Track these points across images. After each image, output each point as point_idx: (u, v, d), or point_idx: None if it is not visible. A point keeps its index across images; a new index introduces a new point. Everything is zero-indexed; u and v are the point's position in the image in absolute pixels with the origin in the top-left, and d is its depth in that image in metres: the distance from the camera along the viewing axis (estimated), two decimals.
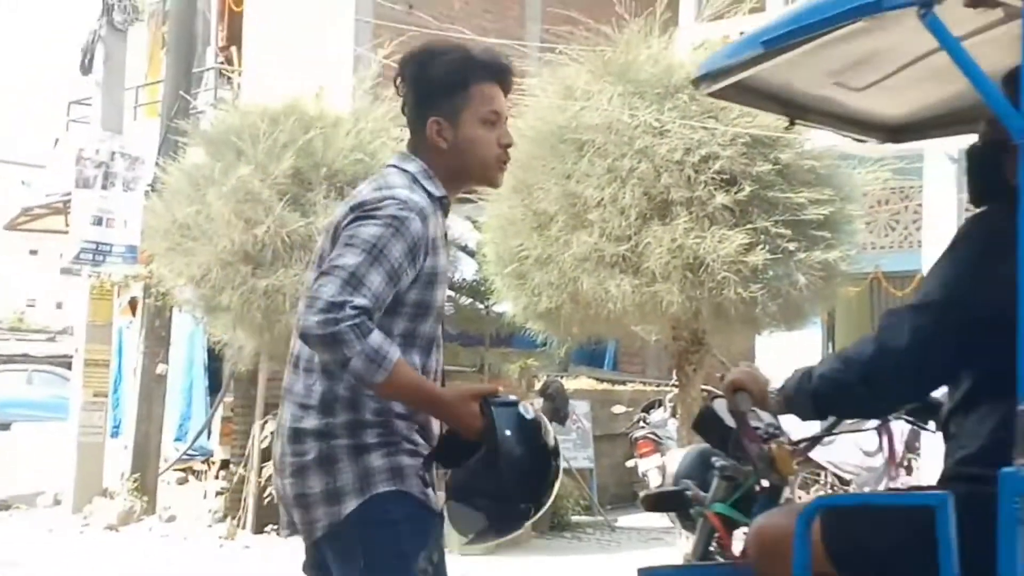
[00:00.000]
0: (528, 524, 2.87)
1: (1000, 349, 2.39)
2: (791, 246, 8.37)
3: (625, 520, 11.86)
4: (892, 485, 9.11)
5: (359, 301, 2.57)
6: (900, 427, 8.77)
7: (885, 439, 8.76)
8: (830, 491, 9.93)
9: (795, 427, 3.30)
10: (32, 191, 17.38)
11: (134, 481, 12.65)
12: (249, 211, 9.91)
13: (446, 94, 2.84)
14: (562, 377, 13.41)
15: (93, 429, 13.54)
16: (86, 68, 13.81)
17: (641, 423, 11.02)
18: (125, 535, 11.95)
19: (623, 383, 15.14)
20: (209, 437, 13.35)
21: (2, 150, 44.69)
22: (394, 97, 10.77)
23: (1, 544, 10.80)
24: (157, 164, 12.11)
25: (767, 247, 8.28)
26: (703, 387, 9.00)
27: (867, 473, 9.87)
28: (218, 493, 12.15)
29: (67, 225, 14.14)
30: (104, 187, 12.93)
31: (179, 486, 13.01)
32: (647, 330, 9.76)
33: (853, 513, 2.73)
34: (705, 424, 3.14)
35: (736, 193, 8.30)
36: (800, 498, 7.70)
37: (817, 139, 8.28)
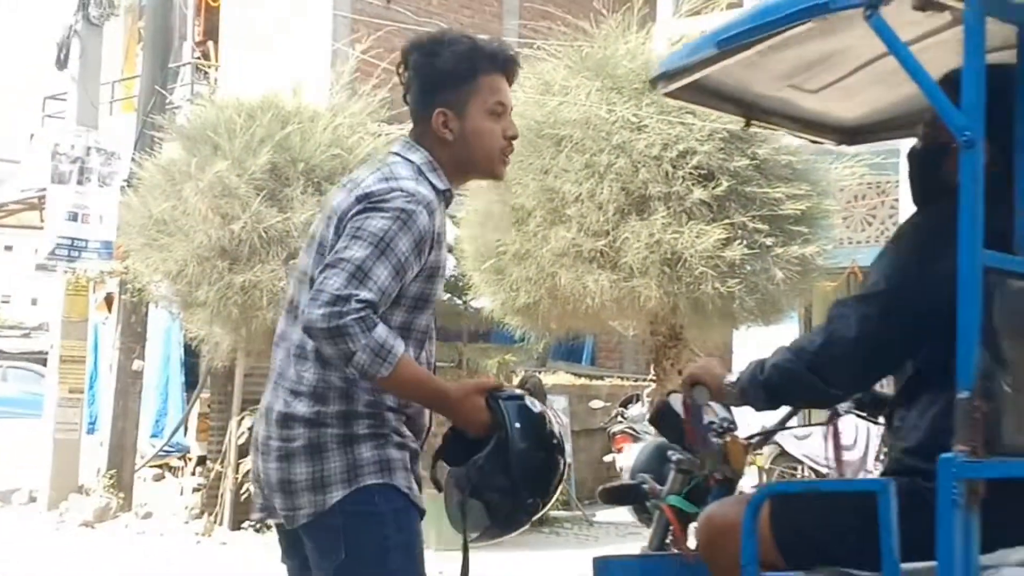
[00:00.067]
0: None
1: (941, 340, 2.44)
2: (768, 241, 8.40)
3: (603, 515, 11.87)
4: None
5: (365, 295, 2.55)
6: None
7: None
8: None
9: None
10: (7, 186, 17.25)
11: (110, 478, 12.60)
12: (226, 206, 9.87)
13: (453, 85, 2.80)
14: (540, 372, 13.42)
15: (68, 425, 13.47)
16: (61, 63, 13.72)
17: (619, 418, 11.06)
18: (101, 532, 11.89)
19: (601, 378, 15.16)
20: (186, 433, 13.31)
21: None
22: (372, 92, 10.76)
23: None
24: (133, 159, 12.05)
25: (744, 242, 8.30)
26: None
27: (844, 466, 9.91)
28: (195, 489, 12.12)
29: (42, 221, 14.05)
30: (80, 182, 12.86)
31: (155, 482, 12.96)
32: (625, 325, 9.78)
33: (800, 503, 2.76)
34: (661, 418, 3.17)
35: (713, 188, 8.33)
36: None
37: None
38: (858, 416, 3.35)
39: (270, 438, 2.74)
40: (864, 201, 12.50)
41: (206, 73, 15.65)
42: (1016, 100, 2.60)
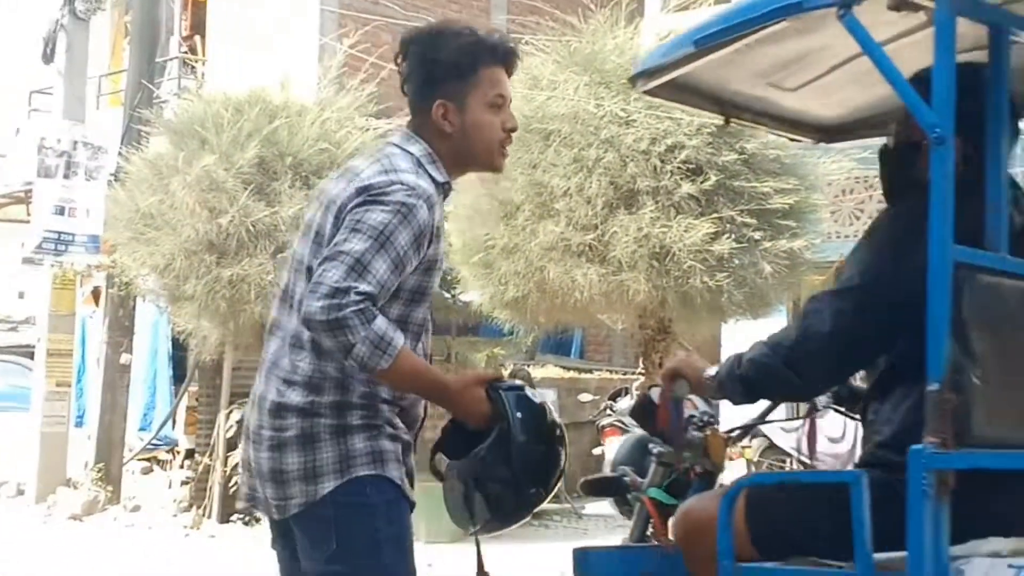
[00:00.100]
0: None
1: (914, 335, 2.47)
2: (756, 235, 8.41)
3: (592, 508, 11.90)
4: None
5: (364, 288, 2.55)
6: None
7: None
8: None
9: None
10: None
11: (98, 471, 12.58)
12: (213, 200, 9.87)
13: (454, 77, 2.79)
14: (529, 366, 13.44)
15: (56, 419, 13.45)
16: (48, 57, 13.69)
17: (608, 411, 11.06)
18: (89, 525, 11.88)
19: (590, 371, 15.18)
20: (174, 427, 13.31)
21: None
22: (359, 87, 10.75)
23: None
24: (120, 153, 12.03)
25: (733, 236, 8.32)
26: None
27: (832, 459, 9.94)
28: (183, 483, 12.12)
29: (29, 214, 14.03)
30: (66, 176, 12.83)
31: (144, 476, 12.95)
32: (613, 319, 9.79)
33: (774, 495, 2.79)
34: (642, 412, 3.18)
35: (702, 182, 8.34)
36: None
37: None
38: (835, 410, 3.38)
39: (262, 427, 2.73)
40: (852, 195, 12.53)
41: (193, 67, 15.60)
42: (987, 98, 2.64)
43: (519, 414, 2.67)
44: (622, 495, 3.24)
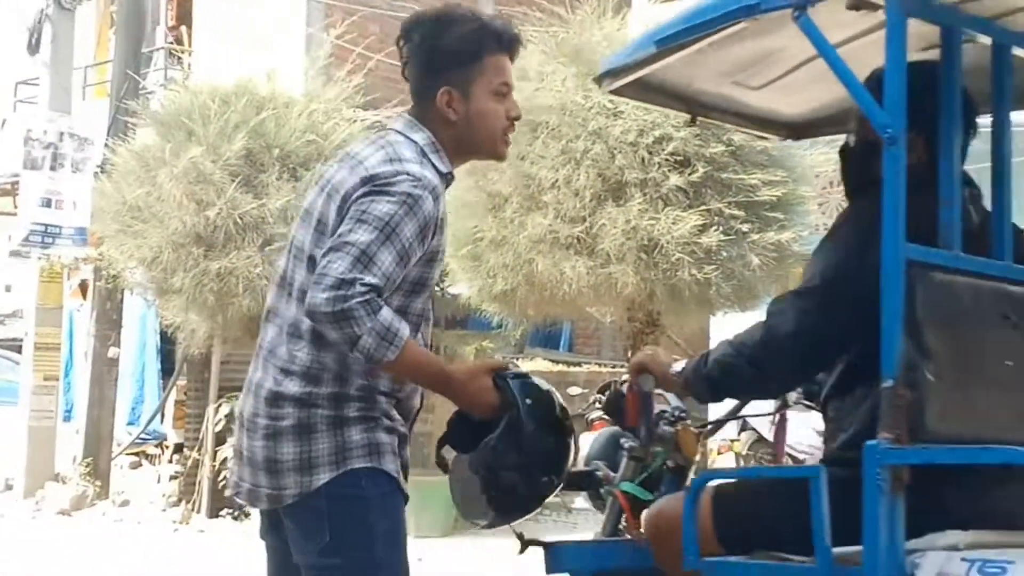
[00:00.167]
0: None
1: (874, 333, 2.50)
2: (744, 227, 8.41)
3: (582, 501, 11.90)
4: None
5: (369, 279, 2.52)
6: None
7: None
8: None
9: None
10: None
11: (86, 465, 12.55)
12: (201, 193, 9.83)
13: (459, 64, 2.76)
14: (518, 359, 13.43)
15: (44, 413, 13.41)
16: (33, 48, 13.62)
17: (596, 404, 11.05)
18: (78, 520, 11.85)
19: (578, 365, 15.18)
20: (162, 421, 13.28)
21: None
22: (347, 78, 10.71)
23: None
24: (106, 145, 11.98)
25: (721, 228, 8.32)
26: None
27: (821, 453, 9.96)
28: (172, 477, 12.09)
29: (15, 207, 13.97)
30: (53, 168, 12.78)
31: (132, 470, 12.93)
32: (602, 312, 9.78)
33: (740, 494, 2.83)
34: (614, 406, 3.21)
35: (690, 175, 8.33)
36: None
37: None
38: (806, 406, 3.39)
39: (257, 415, 2.71)
40: (840, 187, 12.52)
41: (179, 58, 15.54)
42: (940, 97, 2.67)
43: (528, 401, 2.66)
44: (595, 489, 3.25)
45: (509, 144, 2.87)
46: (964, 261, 2.59)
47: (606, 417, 10.26)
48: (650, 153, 8.36)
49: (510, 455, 2.65)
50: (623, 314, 9.37)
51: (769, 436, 10.37)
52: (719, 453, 11.32)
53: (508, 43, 2.82)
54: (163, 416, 13.22)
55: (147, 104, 12.08)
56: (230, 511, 10.98)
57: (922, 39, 2.68)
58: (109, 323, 12.94)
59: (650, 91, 3.22)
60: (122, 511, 11.99)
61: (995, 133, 2.81)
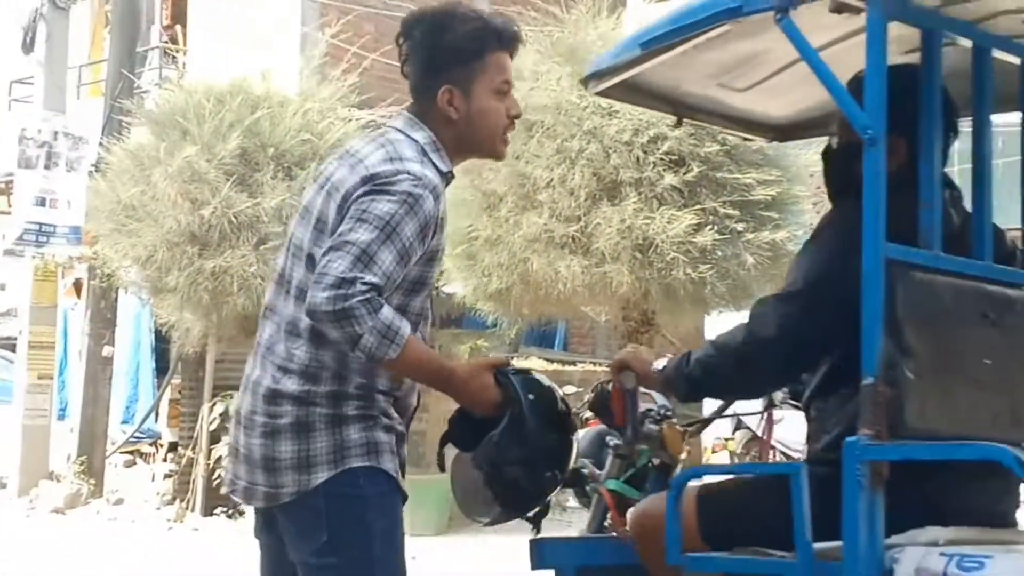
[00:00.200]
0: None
1: (857, 335, 2.52)
2: (739, 226, 8.43)
3: (577, 500, 11.90)
4: None
5: (370, 279, 2.51)
6: None
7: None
8: None
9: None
10: None
11: (81, 464, 12.54)
12: (195, 191, 9.83)
13: (461, 62, 2.74)
14: (513, 358, 13.42)
15: (38, 412, 13.40)
16: (28, 47, 13.62)
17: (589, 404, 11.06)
18: (72, 518, 11.84)
19: (573, 363, 15.17)
20: (156, 419, 13.27)
21: None
22: (341, 77, 10.67)
23: None
24: (101, 144, 11.98)
25: (715, 227, 8.33)
26: None
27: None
28: (166, 476, 12.08)
29: (10, 206, 13.95)
30: (47, 167, 12.78)
31: (126, 469, 12.91)
32: (597, 311, 9.79)
33: (724, 491, 2.86)
34: (599, 404, 3.22)
35: (684, 174, 8.35)
36: None
37: None
38: (791, 405, 3.41)
39: (255, 412, 2.69)
40: None
41: (174, 57, 15.51)
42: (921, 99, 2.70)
43: (531, 396, 2.66)
44: (581, 487, 3.27)
45: (508, 143, 2.87)
46: (944, 261, 2.62)
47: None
48: (645, 152, 8.37)
49: (513, 450, 2.65)
50: (618, 313, 9.38)
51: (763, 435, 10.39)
52: (713, 452, 11.35)
53: (509, 41, 2.81)
54: (157, 415, 13.21)
55: (142, 103, 12.07)
56: (224, 509, 10.97)
57: (904, 43, 2.70)
58: (103, 322, 12.93)
59: (636, 93, 3.23)
60: (116, 510, 11.98)
61: (975, 135, 2.83)
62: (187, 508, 11.28)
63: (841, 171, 2.89)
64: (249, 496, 2.76)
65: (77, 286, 14.01)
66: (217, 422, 10.87)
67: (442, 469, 2.81)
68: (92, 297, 12.97)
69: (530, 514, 2.83)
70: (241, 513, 10.41)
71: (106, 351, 12.87)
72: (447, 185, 2.79)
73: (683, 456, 3.17)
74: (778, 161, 8.76)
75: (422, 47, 2.77)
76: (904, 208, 2.56)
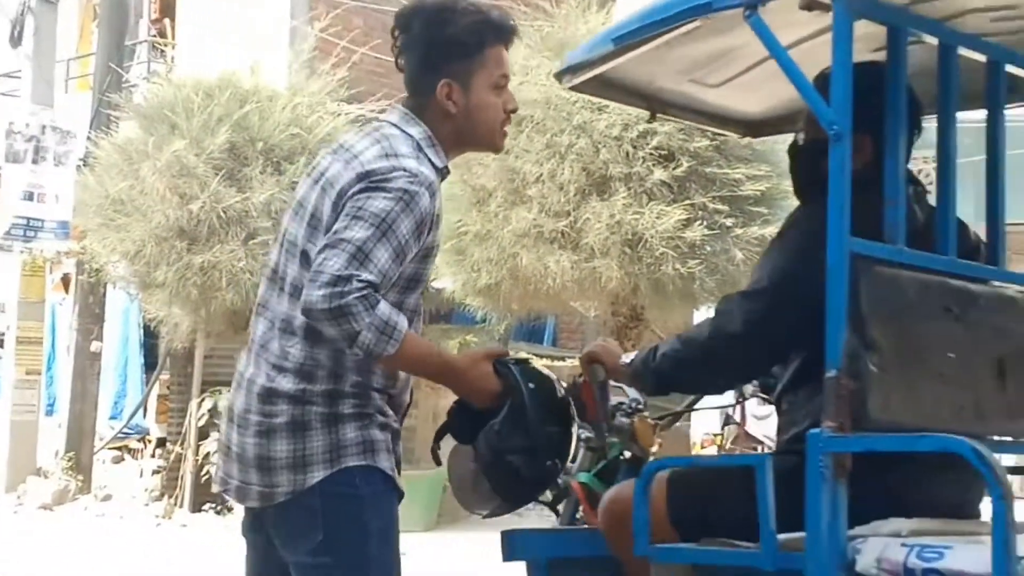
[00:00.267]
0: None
1: (824, 331, 2.53)
2: (728, 222, 8.44)
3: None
4: None
5: (366, 276, 2.50)
6: None
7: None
8: None
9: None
10: None
11: (69, 460, 12.51)
12: (184, 186, 9.81)
13: (461, 56, 2.72)
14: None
15: (26, 407, 13.37)
16: (15, 40, 13.56)
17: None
18: (60, 514, 11.81)
19: (563, 359, 15.16)
20: (145, 415, 13.24)
21: None
22: (331, 71, 10.63)
23: None
24: (89, 138, 11.93)
25: (705, 223, 8.34)
26: None
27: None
28: (154, 472, 12.05)
29: None
30: (35, 161, 12.73)
31: (115, 465, 12.88)
32: (586, 306, 9.80)
33: (694, 481, 2.87)
34: (572, 398, 3.23)
35: (674, 169, 8.35)
36: None
37: None
38: (761, 398, 3.43)
39: (249, 411, 2.66)
40: None
41: (163, 51, 15.47)
42: (886, 96, 2.72)
43: (531, 385, 2.66)
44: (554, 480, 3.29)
45: (506, 136, 2.85)
46: (908, 255, 2.64)
47: None
48: (634, 147, 8.38)
49: (514, 438, 2.64)
50: (607, 308, 9.39)
51: (751, 430, 10.41)
52: (703, 447, 11.37)
53: (507, 35, 2.79)
54: (146, 410, 13.18)
55: (130, 97, 12.03)
56: (213, 506, 10.95)
57: (872, 40, 2.70)
58: (92, 317, 12.89)
59: (610, 88, 3.23)
60: (104, 505, 11.95)
61: (940, 133, 2.85)
62: (175, 504, 11.26)
63: (808, 168, 2.91)
64: (242, 495, 2.73)
65: (65, 281, 13.96)
66: (206, 418, 10.85)
67: (437, 463, 2.80)
68: (80, 292, 12.93)
69: (548, 499, 2.84)
70: (229, 509, 10.39)
71: (94, 346, 12.83)
72: (442, 180, 2.76)
73: (654, 449, 3.19)
74: (767, 156, 8.77)
75: (421, 40, 2.74)
76: (870, 206, 2.58)
